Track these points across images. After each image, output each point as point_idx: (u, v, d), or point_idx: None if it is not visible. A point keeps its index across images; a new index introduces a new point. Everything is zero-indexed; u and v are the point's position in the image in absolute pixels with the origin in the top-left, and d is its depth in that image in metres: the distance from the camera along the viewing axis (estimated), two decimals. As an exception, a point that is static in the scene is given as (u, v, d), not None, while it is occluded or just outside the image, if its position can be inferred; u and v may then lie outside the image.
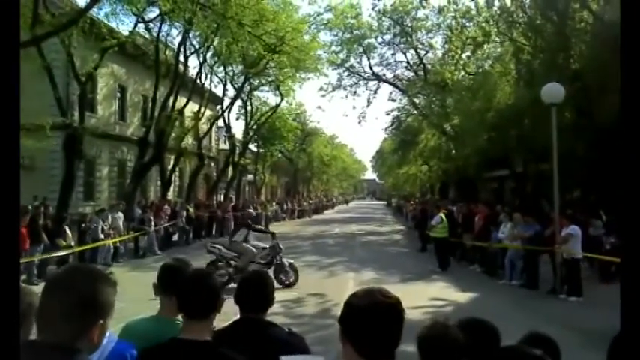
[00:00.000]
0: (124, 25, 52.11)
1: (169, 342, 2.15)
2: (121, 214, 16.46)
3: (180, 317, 2.33)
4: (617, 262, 11.36)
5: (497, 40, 23.15)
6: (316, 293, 10.62)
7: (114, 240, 15.35)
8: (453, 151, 26.39)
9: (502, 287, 12.05)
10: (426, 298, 10.45)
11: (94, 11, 16.58)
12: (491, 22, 22.12)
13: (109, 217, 15.68)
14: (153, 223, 17.82)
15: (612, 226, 13.53)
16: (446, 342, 1.99)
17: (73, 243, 13.89)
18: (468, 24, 24.98)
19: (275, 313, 8.75)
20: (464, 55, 26.41)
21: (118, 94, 24.80)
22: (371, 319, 1.64)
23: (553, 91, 10.93)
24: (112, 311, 1.54)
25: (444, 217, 15.36)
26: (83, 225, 14.81)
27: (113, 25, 18.99)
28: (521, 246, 12.07)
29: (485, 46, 25.00)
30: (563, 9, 17.06)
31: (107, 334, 2.05)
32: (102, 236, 14.83)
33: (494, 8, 21.24)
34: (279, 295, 11.68)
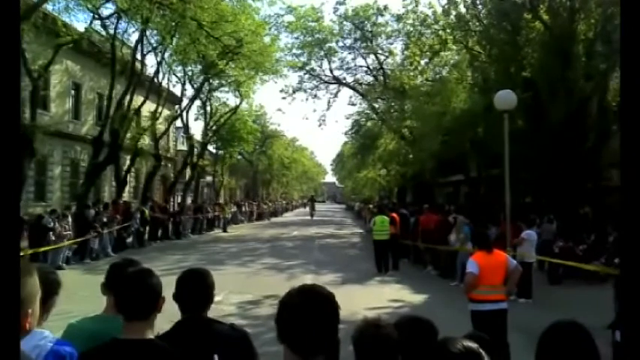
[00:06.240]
0: (80, 21, 50.68)
1: (110, 342, 2.04)
2: (69, 216, 15.99)
3: None
4: (566, 265, 11.81)
5: (454, 47, 23.68)
6: (272, 295, 10.57)
7: (63, 244, 14.89)
8: (411, 156, 26.82)
9: (454, 289, 12.29)
10: (381, 299, 10.71)
11: (47, 6, 16.09)
12: (448, 31, 22.64)
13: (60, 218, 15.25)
14: (106, 225, 17.39)
15: (562, 230, 14.08)
16: (378, 341, 2.00)
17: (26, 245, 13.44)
18: (425, 31, 25.46)
19: (230, 315, 8.71)
20: (422, 62, 26.91)
21: (72, 92, 24.06)
22: (302, 315, 1.61)
23: (506, 98, 11.21)
24: (37, 297, 1.51)
25: (378, 219, 15.10)
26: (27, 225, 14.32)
27: (67, 20, 18.48)
28: (472, 249, 12.33)
29: (442, 54, 25.58)
30: (516, 19, 17.62)
31: (46, 333, 2.01)
32: (53, 238, 14.42)
33: (451, 17, 21.72)
34: (235, 297, 11.49)
